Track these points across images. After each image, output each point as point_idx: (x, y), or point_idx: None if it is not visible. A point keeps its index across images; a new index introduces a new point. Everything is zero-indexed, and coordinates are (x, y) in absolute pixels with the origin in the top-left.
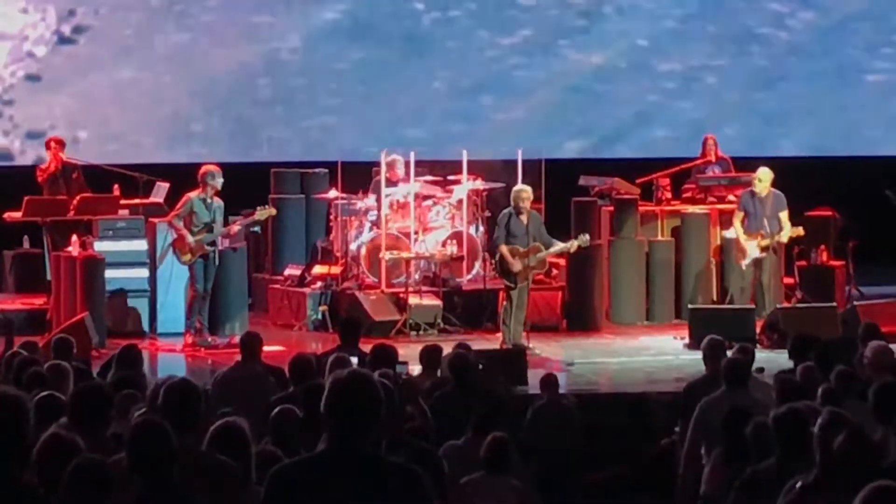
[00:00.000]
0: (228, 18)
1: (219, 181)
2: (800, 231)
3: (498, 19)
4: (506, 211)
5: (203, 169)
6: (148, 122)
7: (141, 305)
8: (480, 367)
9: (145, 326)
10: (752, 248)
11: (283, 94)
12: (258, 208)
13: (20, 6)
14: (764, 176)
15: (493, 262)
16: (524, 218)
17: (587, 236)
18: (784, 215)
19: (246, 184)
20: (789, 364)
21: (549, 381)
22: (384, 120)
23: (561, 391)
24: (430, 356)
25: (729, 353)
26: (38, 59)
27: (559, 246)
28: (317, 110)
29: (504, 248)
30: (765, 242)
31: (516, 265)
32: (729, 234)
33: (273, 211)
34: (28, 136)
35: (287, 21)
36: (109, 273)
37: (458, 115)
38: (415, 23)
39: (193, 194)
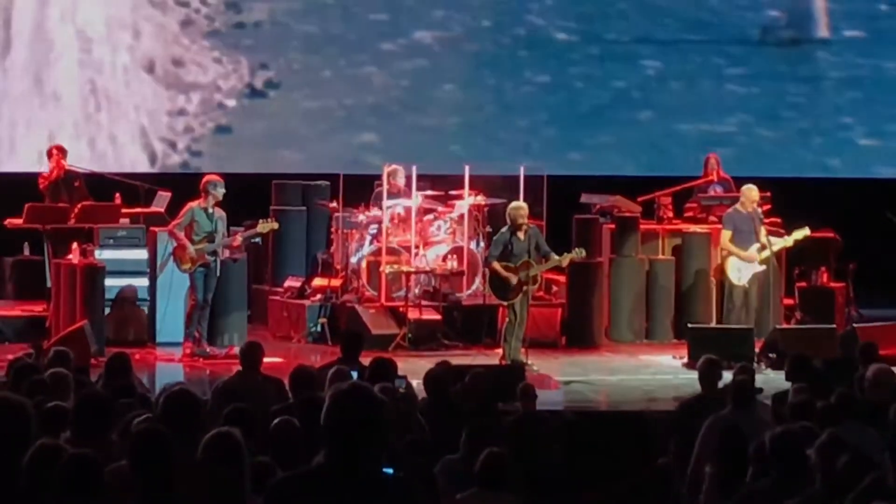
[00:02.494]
0: (416, 85)
1: (220, 191)
2: (806, 231)
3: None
4: (504, 230)
5: (205, 178)
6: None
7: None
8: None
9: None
10: (754, 264)
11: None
12: (260, 221)
13: (214, 56)
14: (754, 194)
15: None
16: (522, 235)
17: (582, 251)
18: (763, 230)
19: (246, 195)
20: (787, 385)
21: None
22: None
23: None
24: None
25: (727, 374)
26: (229, 110)
27: (553, 260)
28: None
29: (496, 265)
30: (765, 255)
31: (512, 278)
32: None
33: (275, 225)
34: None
35: None
36: (109, 282)
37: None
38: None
39: (194, 204)
